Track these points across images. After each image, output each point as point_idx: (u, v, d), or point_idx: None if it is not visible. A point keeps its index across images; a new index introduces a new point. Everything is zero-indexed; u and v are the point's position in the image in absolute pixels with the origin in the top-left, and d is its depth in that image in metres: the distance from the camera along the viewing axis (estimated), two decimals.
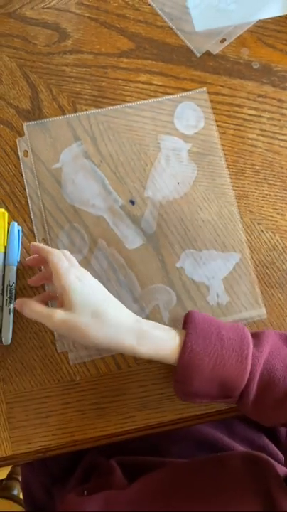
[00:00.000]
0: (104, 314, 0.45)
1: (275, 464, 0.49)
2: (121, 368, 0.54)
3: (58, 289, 0.47)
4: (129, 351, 0.46)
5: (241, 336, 0.46)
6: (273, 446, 0.61)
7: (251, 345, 0.45)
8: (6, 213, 0.54)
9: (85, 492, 0.52)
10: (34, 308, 0.47)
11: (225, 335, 0.46)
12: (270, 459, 0.49)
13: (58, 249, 0.55)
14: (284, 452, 0.61)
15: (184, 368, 0.45)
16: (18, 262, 0.54)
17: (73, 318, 0.45)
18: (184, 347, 0.45)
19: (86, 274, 0.49)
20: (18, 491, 1.00)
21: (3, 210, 0.54)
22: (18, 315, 0.54)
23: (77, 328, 0.44)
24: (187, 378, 0.45)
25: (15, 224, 0.54)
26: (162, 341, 0.46)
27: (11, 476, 1.05)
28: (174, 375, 0.47)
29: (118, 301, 0.48)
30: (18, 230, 0.54)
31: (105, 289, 0.49)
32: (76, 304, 0.45)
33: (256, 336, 0.47)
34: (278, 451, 0.61)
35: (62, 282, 0.46)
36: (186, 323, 0.48)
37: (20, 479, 0.96)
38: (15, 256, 0.53)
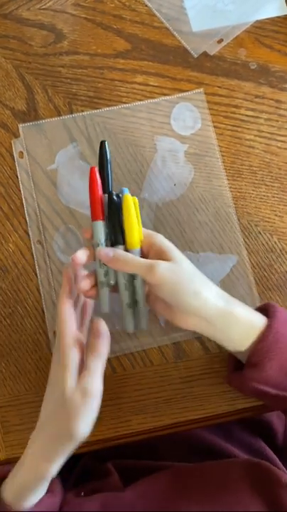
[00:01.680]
0: (202, 293, 0.44)
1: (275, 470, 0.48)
2: (117, 372, 0.53)
3: (161, 247, 0.46)
4: (218, 336, 0.45)
5: None
6: (270, 450, 0.60)
7: None
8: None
9: (82, 493, 0.52)
10: (131, 258, 0.45)
11: None
12: (271, 465, 0.48)
13: (54, 251, 0.55)
14: (282, 456, 0.60)
15: (265, 349, 0.43)
16: None
17: (181, 268, 0.44)
18: (270, 327, 0.44)
19: None
20: None
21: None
22: (12, 317, 0.54)
23: (183, 277, 0.44)
24: (265, 360, 0.43)
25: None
26: (249, 322, 0.45)
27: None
28: (247, 359, 0.45)
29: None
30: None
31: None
32: (181, 258, 0.45)
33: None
34: (275, 456, 0.60)
35: (166, 243, 0.46)
36: (267, 310, 0.47)
37: None
38: None
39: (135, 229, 0.46)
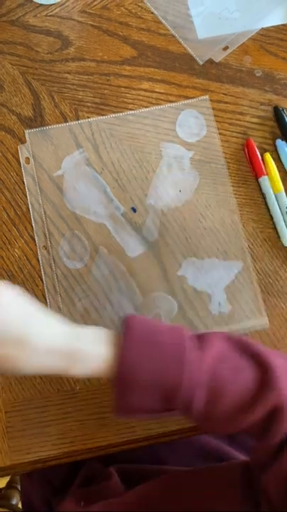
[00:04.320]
0: (28, 342, 0.39)
1: None
2: None
3: None
4: (61, 373, 0.42)
5: (180, 340, 0.42)
6: None
7: (192, 351, 0.41)
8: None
9: (82, 503, 0.52)
10: None
11: (164, 341, 0.42)
12: None
13: (59, 257, 0.55)
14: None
15: (122, 381, 0.41)
16: None
17: None
18: (120, 358, 0.41)
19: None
20: (17, 501, 0.99)
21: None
22: None
23: (1, 362, 0.39)
24: (125, 393, 0.41)
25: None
26: (94, 358, 0.42)
27: (10, 485, 1.04)
28: (112, 393, 0.42)
29: (45, 313, 0.43)
30: None
31: (27, 301, 0.42)
32: None
33: (200, 339, 0.44)
34: None
35: None
36: (122, 330, 0.43)
37: (19, 488, 0.95)
38: None
39: None
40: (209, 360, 0.41)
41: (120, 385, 0.41)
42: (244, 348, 0.43)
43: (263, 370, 0.41)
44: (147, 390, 0.41)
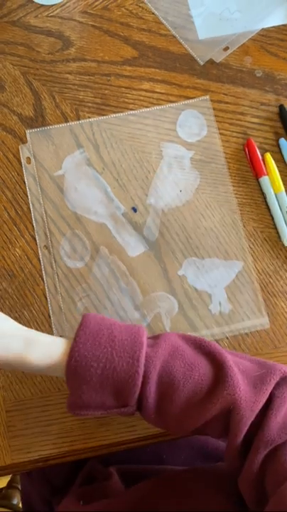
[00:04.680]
0: None
1: None
2: None
3: None
4: (17, 360, 0.42)
5: (134, 336, 0.42)
6: None
7: (145, 346, 0.41)
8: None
9: (81, 502, 0.52)
10: None
11: (117, 336, 0.42)
12: None
13: (60, 256, 0.55)
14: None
15: (71, 376, 0.41)
16: None
17: None
18: (71, 352, 0.41)
19: None
20: (17, 500, 0.99)
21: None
22: (19, 322, 0.54)
23: None
24: (77, 387, 0.41)
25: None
26: (51, 347, 0.42)
27: (10, 485, 1.04)
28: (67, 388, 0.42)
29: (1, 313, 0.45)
30: None
31: None
32: None
33: (156, 337, 0.44)
34: None
35: None
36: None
37: (20, 488, 0.95)
38: None
39: None
40: (162, 356, 0.41)
41: (71, 379, 0.41)
42: (199, 345, 0.43)
43: (219, 367, 0.41)
44: (98, 384, 0.41)
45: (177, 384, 0.41)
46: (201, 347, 0.43)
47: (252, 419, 0.39)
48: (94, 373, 0.40)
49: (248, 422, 0.39)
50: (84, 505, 0.51)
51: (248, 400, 0.39)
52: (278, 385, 0.41)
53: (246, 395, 0.40)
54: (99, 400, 0.41)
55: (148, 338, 0.44)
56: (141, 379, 0.40)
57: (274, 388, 0.41)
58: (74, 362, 0.41)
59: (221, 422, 0.41)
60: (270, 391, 0.40)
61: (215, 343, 0.44)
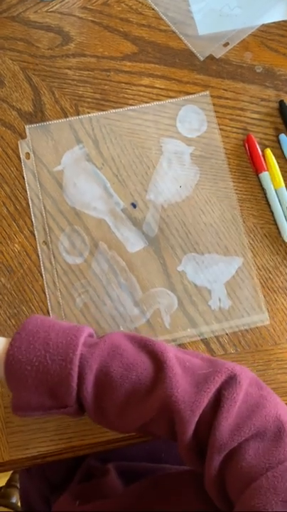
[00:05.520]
0: None
1: None
2: None
3: None
4: None
5: (70, 338, 0.42)
6: None
7: (80, 347, 0.41)
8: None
9: (77, 503, 0.51)
10: None
11: (53, 339, 0.42)
12: None
13: (59, 252, 0.55)
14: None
15: (9, 378, 0.42)
16: None
17: None
18: (6, 355, 0.41)
19: None
20: (16, 499, 0.99)
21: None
22: (18, 318, 0.54)
23: None
24: (15, 389, 0.42)
25: None
26: None
27: (9, 484, 1.04)
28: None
29: None
30: None
31: None
32: None
33: (99, 338, 0.44)
34: None
35: None
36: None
37: (18, 486, 0.95)
38: None
39: None
40: (99, 356, 0.41)
41: (10, 380, 0.42)
42: (143, 345, 0.43)
43: (158, 367, 0.41)
44: (34, 386, 0.41)
45: (114, 384, 0.40)
46: (145, 346, 0.43)
47: (195, 419, 0.38)
48: (29, 376, 0.41)
49: (191, 422, 0.38)
50: (80, 505, 0.50)
51: (187, 401, 0.38)
52: (227, 384, 0.40)
53: (185, 396, 0.39)
54: (37, 401, 0.42)
55: (90, 335, 0.44)
56: (75, 380, 0.40)
57: (223, 389, 0.39)
58: (9, 365, 0.41)
59: (164, 422, 0.40)
60: (213, 390, 0.39)
61: (162, 342, 0.44)
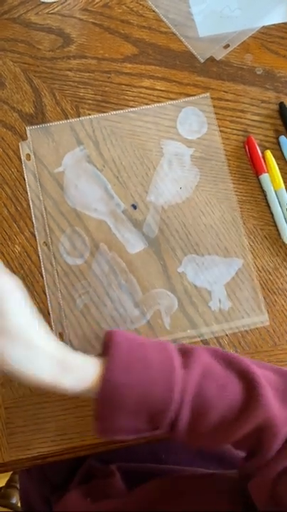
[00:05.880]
0: (28, 339, 0.38)
1: None
2: None
3: None
4: (49, 386, 0.39)
5: (166, 358, 0.41)
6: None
7: (177, 370, 0.40)
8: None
9: (88, 499, 0.51)
10: None
11: (150, 359, 0.40)
12: None
13: (60, 253, 0.55)
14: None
15: (105, 403, 0.39)
16: None
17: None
18: (103, 378, 0.39)
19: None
20: (16, 500, 0.99)
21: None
22: None
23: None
24: (110, 414, 0.39)
25: None
26: (84, 370, 0.40)
27: (9, 484, 1.04)
28: (94, 412, 0.40)
29: (37, 315, 0.41)
30: None
31: (25, 298, 0.40)
32: None
33: (185, 355, 0.42)
34: None
35: None
36: (107, 348, 0.41)
37: (18, 487, 0.95)
38: None
39: None
40: (195, 379, 0.40)
41: (104, 406, 0.39)
42: (230, 363, 0.43)
43: (251, 386, 0.41)
44: (133, 411, 0.39)
45: (209, 405, 0.40)
46: (230, 363, 0.42)
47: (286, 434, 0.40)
48: (128, 401, 0.39)
49: (283, 438, 0.39)
50: (92, 503, 0.50)
51: (282, 417, 0.40)
52: None
53: (279, 412, 0.40)
54: (132, 425, 0.40)
55: (178, 352, 0.43)
56: (176, 406, 0.39)
57: None
58: (106, 391, 0.39)
59: (252, 438, 0.41)
60: None
61: (244, 358, 0.44)
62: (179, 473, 0.56)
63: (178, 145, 0.58)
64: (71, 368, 0.40)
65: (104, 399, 0.39)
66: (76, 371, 0.40)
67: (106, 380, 0.39)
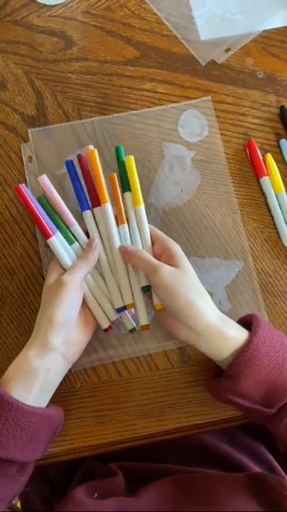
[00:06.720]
0: (202, 291, 0.47)
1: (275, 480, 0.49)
2: (122, 375, 0.53)
3: (172, 252, 0.49)
4: (216, 326, 0.45)
5: None
6: (271, 456, 0.60)
7: None
8: None
9: (96, 495, 0.51)
10: (142, 256, 0.48)
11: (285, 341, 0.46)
12: (272, 476, 0.48)
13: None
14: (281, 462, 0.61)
15: (243, 364, 0.44)
16: None
17: (183, 276, 0.46)
18: (250, 343, 0.44)
19: None
20: (16, 500, 0.99)
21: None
22: (19, 320, 0.54)
23: (182, 285, 0.45)
24: (242, 375, 0.44)
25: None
26: (238, 331, 0.46)
27: None
28: (225, 372, 0.46)
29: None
30: None
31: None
32: (187, 268, 0.47)
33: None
34: (276, 462, 0.60)
35: (179, 250, 0.49)
36: (251, 324, 0.47)
37: None
38: None
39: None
40: None
41: (242, 366, 0.44)
42: None
43: None
44: (260, 382, 0.44)
45: None
46: None
47: None
48: (263, 370, 0.43)
49: None
50: (98, 499, 0.50)
51: None
52: None
53: None
54: (252, 393, 0.44)
55: None
56: None
57: None
58: (250, 353, 0.44)
59: None
60: None
61: None
62: (179, 473, 0.56)
63: (179, 148, 0.59)
64: (230, 325, 0.46)
65: (244, 359, 0.43)
66: (233, 329, 0.46)
67: (252, 345, 0.44)
